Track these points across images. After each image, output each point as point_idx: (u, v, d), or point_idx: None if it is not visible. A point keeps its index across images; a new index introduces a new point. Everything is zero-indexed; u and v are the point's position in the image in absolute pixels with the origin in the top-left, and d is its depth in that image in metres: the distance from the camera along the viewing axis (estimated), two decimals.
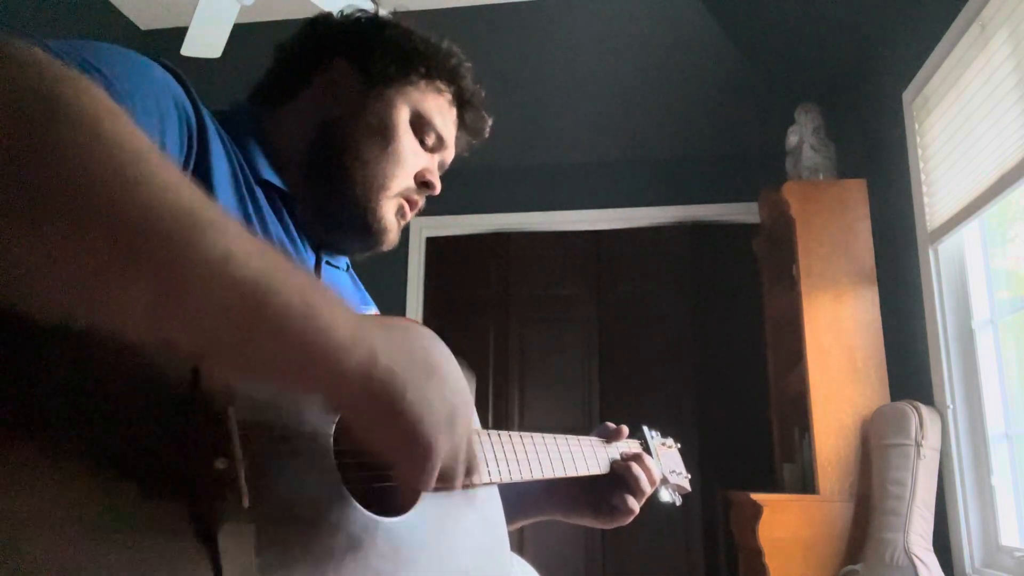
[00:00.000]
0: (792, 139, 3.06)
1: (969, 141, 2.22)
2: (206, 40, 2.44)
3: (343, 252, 0.84)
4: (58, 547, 0.37)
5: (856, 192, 2.84)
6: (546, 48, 3.13)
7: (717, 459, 3.47)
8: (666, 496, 1.08)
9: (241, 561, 0.43)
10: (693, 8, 2.85)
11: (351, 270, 0.89)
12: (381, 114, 0.77)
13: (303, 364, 0.42)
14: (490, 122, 0.88)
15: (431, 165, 0.82)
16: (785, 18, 2.83)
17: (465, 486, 0.54)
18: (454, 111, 0.84)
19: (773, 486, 3.07)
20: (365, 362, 0.44)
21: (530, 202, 4.00)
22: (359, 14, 0.83)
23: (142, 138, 0.40)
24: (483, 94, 0.86)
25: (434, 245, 4.03)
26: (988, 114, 2.12)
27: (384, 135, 0.77)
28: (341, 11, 0.83)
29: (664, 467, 1.09)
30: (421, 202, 0.82)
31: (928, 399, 2.44)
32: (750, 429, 3.44)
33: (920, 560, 2.26)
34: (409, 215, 0.81)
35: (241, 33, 2.54)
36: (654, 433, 1.12)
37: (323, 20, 0.83)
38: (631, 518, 0.96)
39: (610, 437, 1.01)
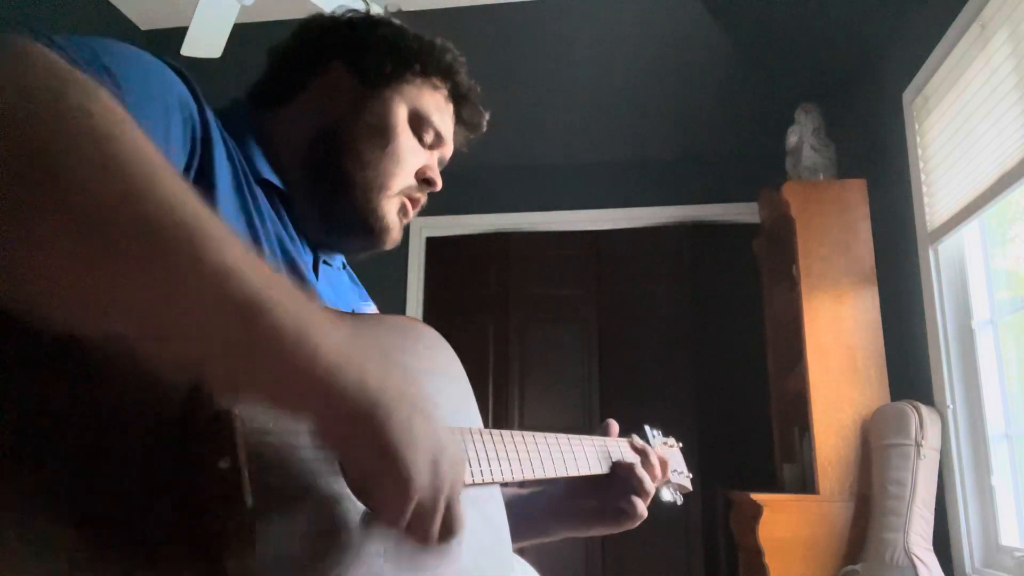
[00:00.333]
0: (792, 139, 3.06)
1: (969, 141, 2.22)
2: (206, 40, 2.44)
3: (345, 252, 0.84)
4: (58, 546, 0.38)
5: (856, 192, 2.84)
6: (546, 48, 3.13)
7: (717, 459, 3.46)
8: (667, 495, 1.08)
9: (244, 561, 0.43)
10: (693, 8, 2.85)
11: (347, 268, 0.89)
12: (379, 114, 0.77)
13: (289, 384, 0.42)
14: (487, 116, 0.88)
15: (431, 162, 0.82)
16: (785, 18, 2.83)
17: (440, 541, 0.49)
18: (451, 106, 0.84)
19: (773, 486, 3.07)
20: (352, 385, 0.43)
21: (530, 202, 4.00)
22: (351, 14, 0.82)
23: (149, 147, 0.40)
24: (479, 89, 0.86)
25: (434, 245, 4.03)
26: (988, 114, 2.12)
27: (383, 135, 0.77)
28: (333, 12, 0.83)
29: None
30: (423, 199, 0.83)
31: (928, 399, 2.44)
32: (750, 429, 3.44)
33: (920, 560, 2.27)
34: (411, 213, 0.81)
35: (241, 33, 2.54)
36: (655, 432, 1.12)
37: (316, 22, 0.82)
38: (639, 521, 0.94)
39: (609, 435, 1.01)
